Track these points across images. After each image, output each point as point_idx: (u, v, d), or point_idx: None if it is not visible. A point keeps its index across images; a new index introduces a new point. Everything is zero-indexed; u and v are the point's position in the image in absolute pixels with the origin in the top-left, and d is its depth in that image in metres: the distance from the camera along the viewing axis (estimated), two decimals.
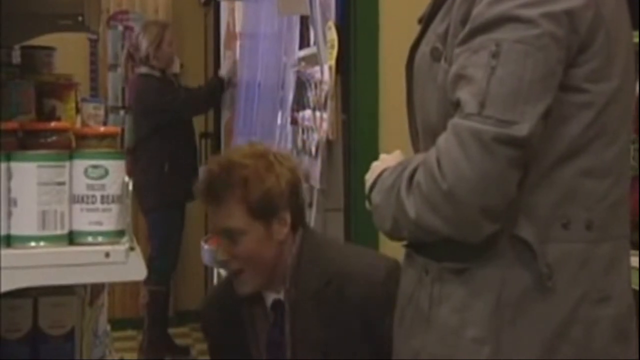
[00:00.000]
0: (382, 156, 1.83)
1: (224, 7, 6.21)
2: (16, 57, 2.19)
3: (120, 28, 6.60)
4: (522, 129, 1.51)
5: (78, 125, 2.00)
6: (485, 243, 1.60)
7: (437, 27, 1.70)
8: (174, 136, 5.53)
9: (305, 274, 2.30)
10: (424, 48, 1.73)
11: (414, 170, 1.61)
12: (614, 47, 1.62)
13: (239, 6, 5.85)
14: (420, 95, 1.74)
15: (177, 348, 5.71)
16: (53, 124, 1.61)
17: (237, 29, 5.89)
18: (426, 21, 1.76)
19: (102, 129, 1.66)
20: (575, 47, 1.57)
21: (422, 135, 1.75)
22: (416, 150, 1.79)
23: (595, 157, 1.62)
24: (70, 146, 1.54)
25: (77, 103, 2.03)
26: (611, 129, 1.63)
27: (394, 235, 1.71)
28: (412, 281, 1.74)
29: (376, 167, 1.78)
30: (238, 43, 5.86)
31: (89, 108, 2.12)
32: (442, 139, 1.56)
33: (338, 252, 2.43)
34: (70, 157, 1.49)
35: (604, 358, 1.64)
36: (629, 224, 1.73)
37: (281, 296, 2.32)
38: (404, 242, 1.77)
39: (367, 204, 1.77)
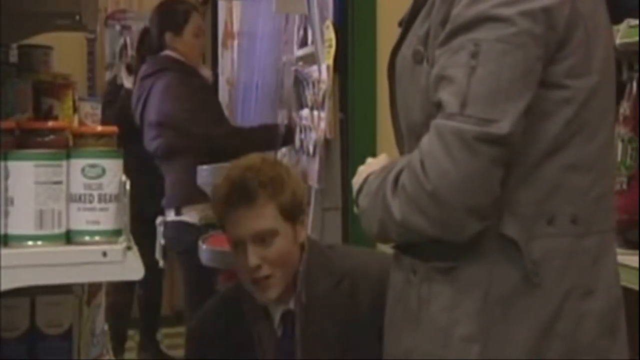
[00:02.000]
0: (369, 160, 1.84)
1: (221, 6, 6.21)
2: (13, 56, 2.19)
3: (118, 27, 6.60)
4: (503, 127, 1.52)
5: (75, 124, 1.99)
6: (472, 242, 1.61)
7: (418, 29, 1.71)
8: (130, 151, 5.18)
9: (316, 277, 2.30)
10: (406, 51, 1.74)
11: (399, 173, 1.62)
12: (592, 43, 1.64)
13: (236, 5, 5.86)
14: (403, 98, 1.75)
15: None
16: (50, 123, 1.61)
17: (235, 28, 5.89)
18: (406, 24, 1.77)
19: (99, 128, 1.66)
20: (554, 44, 1.59)
21: (406, 137, 1.76)
22: (402, 152, 1.80)
23: (577, 152, 1.63)
24: (67, 145, 1.54)
25: (74, 102, 2.02)
26: (592, 124, 1.65)
27: (381, 238, 1.73)
28: (400, 282, 1.76)
29: (362, 171, 1.79)
30: (236, 42, 5.87)
31: (86, 107, 2.12)
32: (425, 140, 1.57)
33: (344, 253, 2.45)
34: (68, 156, 1.49)
35: (592, 352, 1.65)
36: (614, 218, 1.75)
37: (291, 306, 2.31)
38: (392, 244, 1.78)
39: (354, 208, 1.78)
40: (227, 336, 2.36)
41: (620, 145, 2.11)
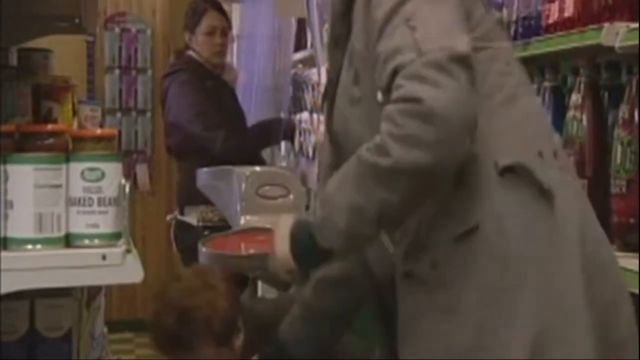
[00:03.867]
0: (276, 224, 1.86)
1: None
2: (13, 59, 2.19)
3: (117, 30, 6.60)
4: (462, 48, 1.60)
5: (75, 127, 1.99)
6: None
7: (346, 75, 1.81)
8: None
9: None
10: (345, 76, 1.82)
11: (359, 157, 1.64)
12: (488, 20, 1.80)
13: (236, 8, 5.86)
14: (343, 121, 1.84)
15: None
16: (50, 126, 1.61)
17: (235, 30, 5.89)
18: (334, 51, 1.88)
19: (98, 131, 1.66)
20: (465, 13, 1.70)
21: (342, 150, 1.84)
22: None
23: (530, 101, 1.80)
24: (67, 148, 1.54)
25: (74, 105, 2.02)
26: (526, 81, 1.80)
27: (353, 233, 1.70)
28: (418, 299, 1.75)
29: (282, 236, 1.79)
30: (235, 45, 5.87)
31: (86, 110, 2.12)
32: (401, 92, 1.59)
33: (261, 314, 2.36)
34: (67, 160, 1.49)
35: None
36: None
37: None
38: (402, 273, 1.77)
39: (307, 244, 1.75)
40: None
41: (619, 148, 2.11)
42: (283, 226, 1.81)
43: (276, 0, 4.64)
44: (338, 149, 1.90)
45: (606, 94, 2.31)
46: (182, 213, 4.33)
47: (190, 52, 4.47)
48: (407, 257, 1.74)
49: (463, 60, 1.58)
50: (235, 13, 5.84)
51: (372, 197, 1.63)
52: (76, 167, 1.49)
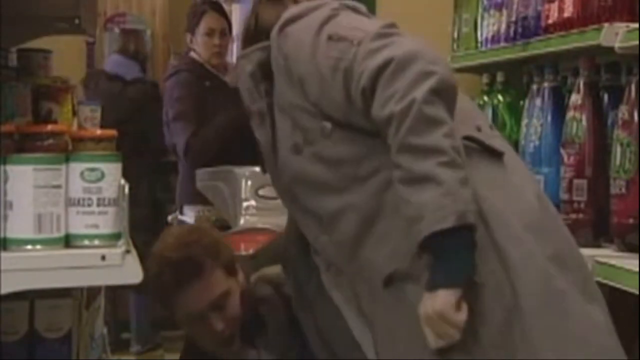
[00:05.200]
0: None
1: None
2: (12, 60, 2.19)
3: (117, 31, 6.60)
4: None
5: (75, 128, 1.99)
6: None
7: (290, 133, 1.92)
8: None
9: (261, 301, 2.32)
10: (281, 134, 1.95)
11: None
12: None
13: (236, 9, 5.86)
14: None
15: None
16: (49, 127, 1.61)
17: (235, 31, 5.90)
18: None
19: (98, 131, 1.66)
20: None
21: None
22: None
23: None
24: (66, 149, 1.54)
25: (73, 106, 2.02)
26: None
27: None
28: None
29: None
30: (235, 45, 5.87)
31: (85, 111, 2.11)
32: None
33: (268, 257, 2.46)
34: (67, 160, 1.49)
35: None
36: None
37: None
38: None
39: None
40: None
41: (619, 149, 2.11)
42: None
43: None
44: (295, 201, 1.98)
45: (606, 95, 2.31)
46: (182, 212, 4.34)
47: (192, 53, 4.48)
48: None
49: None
50: (236, 13, 5.85)
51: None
52: (76, 167, 1.49)
